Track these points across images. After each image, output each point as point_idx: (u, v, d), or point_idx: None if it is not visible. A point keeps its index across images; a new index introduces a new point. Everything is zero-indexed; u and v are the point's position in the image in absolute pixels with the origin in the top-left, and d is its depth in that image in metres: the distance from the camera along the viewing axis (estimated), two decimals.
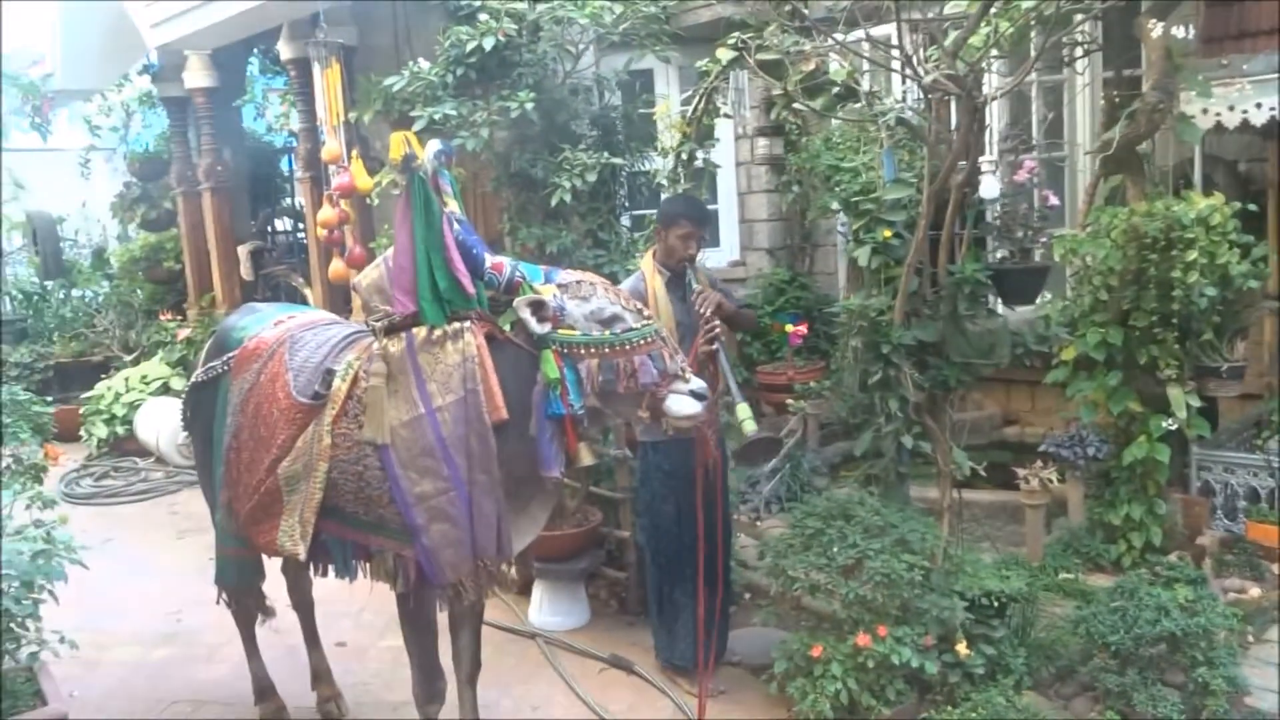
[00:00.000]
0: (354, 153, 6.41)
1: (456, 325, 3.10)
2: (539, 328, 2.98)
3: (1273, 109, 4.98)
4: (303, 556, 3.31)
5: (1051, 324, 4.82)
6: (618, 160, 5.48)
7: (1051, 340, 4.84)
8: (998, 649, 3.87)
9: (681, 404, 3.01)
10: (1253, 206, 5.00)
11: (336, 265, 6.69)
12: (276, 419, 3.34)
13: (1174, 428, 4.78)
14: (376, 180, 6.52)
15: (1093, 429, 5.00)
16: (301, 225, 9.89)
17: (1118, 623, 3.72)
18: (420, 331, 3.12)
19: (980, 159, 4.34)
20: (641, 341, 3.00)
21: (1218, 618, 3.76)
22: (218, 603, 4.04)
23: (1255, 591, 4.62)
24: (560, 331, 3.00)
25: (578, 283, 3.08)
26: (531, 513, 3.31)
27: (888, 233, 4.29)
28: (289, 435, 3.30)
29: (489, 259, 3.12)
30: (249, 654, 4.16)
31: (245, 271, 9.52)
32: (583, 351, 2.98)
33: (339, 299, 8.41)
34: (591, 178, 5.29)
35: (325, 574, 3.51)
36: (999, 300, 4.56)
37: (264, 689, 4.15)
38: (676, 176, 5.13)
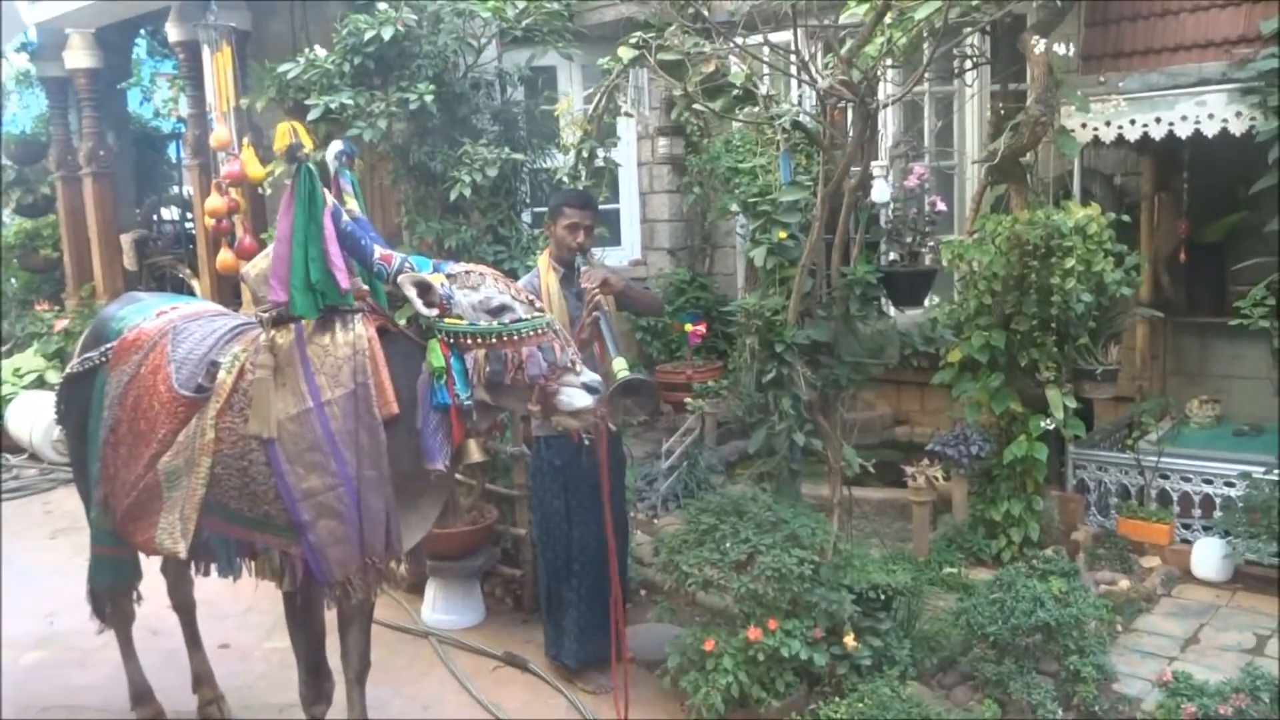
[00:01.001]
0: (245, 140, 6.27)
1: (347, 317, 3.04)
2: (425, 310, 2.93)
3: (1145, 126, 5.23)
4: (183, 555, 3.20)
5: (938, 326, 4.98)
6: (519, 156, 5.45)
7: (938, 342, 5.00)
8: (884, 641, 3.97)
9: (572, 396, 2.96)
10: (1126, 218, 5.26)
11: (225, 255, 6.52)
12: (157, 412, 3.24)
13: (1052, 427, 4.99)
14: (269, 169, 6.37)
15: (976, 428, 5.18)
16: (189, 214, 9.59)
17: (996, 614, 3.86)
18: (309, 323, 3.06)
19: (872, 164, 4.46)
20: (531, 333, 2.94)
21: (1089, 608, 3.93)
22: (92, 610, 3.91)
23: (1124, 583, 4.85)
24: (447, 320, 2.93)
25: (466, 273, 3.01)
26: (421, 509, 3.24)
27: (783, 234, 4.37)
28: (170, 429, 3.20)
29: (378, 251, 3.03)
30: (125, 656, 4.02)
31: (129, 261, 9.19)
32: (469, 341, 2.93)
33: (228, 290, 8.16)
34: (492, 173, 5.24)
35: (208, 573, 3.40)
36: (889, 302, 4.68)
37: (141, 693, 4.02)
38: (577, 174, 5.13)
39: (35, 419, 8.16)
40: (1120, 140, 5.37)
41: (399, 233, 6.26)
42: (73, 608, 5.13)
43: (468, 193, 5.16)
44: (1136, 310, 5.79)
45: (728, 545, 3.80)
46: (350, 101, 5.14)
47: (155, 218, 10.20)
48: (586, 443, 3.73)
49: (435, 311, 2.94)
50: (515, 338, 2.92)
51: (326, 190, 3.03)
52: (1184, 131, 5.16)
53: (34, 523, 6.85)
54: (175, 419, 3.20)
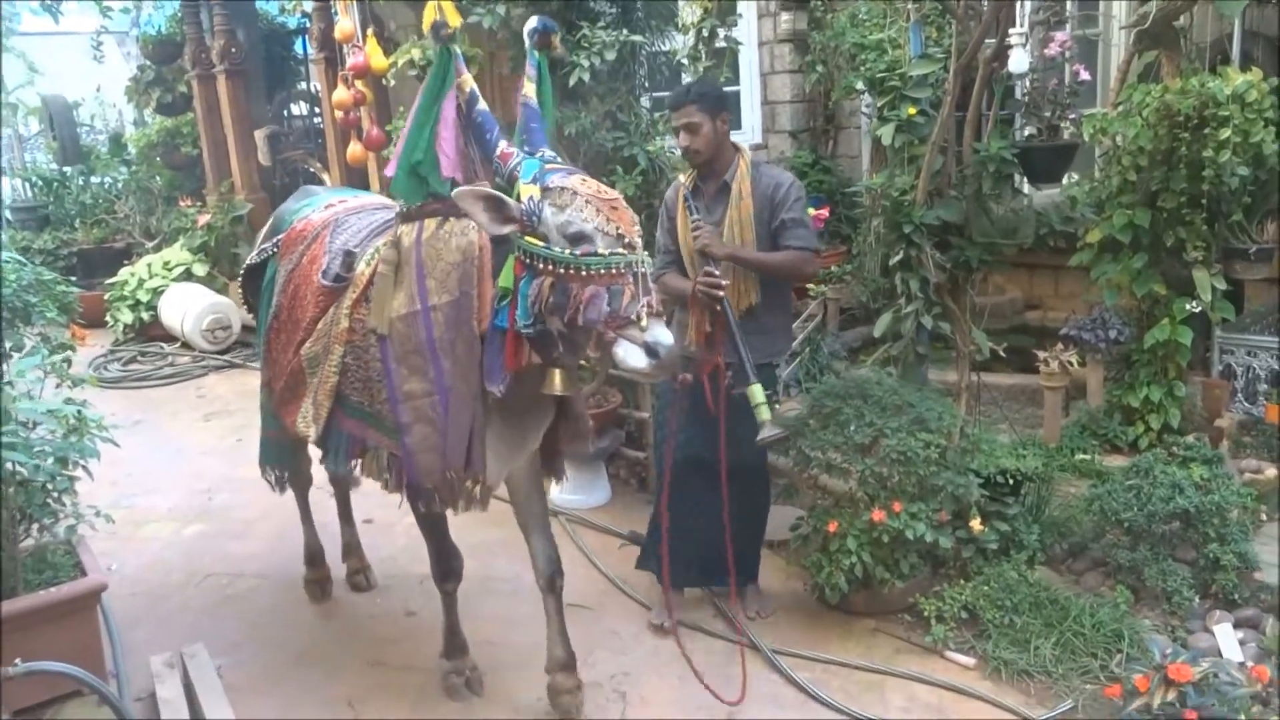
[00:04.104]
0: (368, 32, 6.31)
1: (466, 221, 2.88)
2: (493, 228, 2.65)
3: None
4: (314, 439, 3.30)
5: (1078, 205, 4.73)
6: (637, 38, 5.34)
7: (1077, 222, 4.76)
8: (1011, 526, 3.93)
9: (628, 354, 2.59)
10: None
11: (354, 148, 6.65)
12: (307, 301, 3.34)
13: (1198, 310, 4.74)
14: (392, 60, 6.42)
15: (1115, 312, 4.96)
16: (318, 108, 9.78)
17: (1131, 500, 3.76)
18: (430, 223, 3.02)
19: (1010, 32, 4.21)
20: (602, 271, 2.57)
21: (1232, 495, 3.80)
22: (269, 484, 4.14)
23: (1271, 472, 4.64)
24: (526, 239, 2.64)
25: (561, 189, 2.63)
26: (525, 429, 3.12)
27: (912, 110, 4.21)
28: (312, 317, 3.30)
29: (501, 146, 2.78)
30: (303, 518, 4.28)
31: (263, 157, 9.46)
32: (540, 266, 2.62)
33: (357, 183, 8.35)
34: (610, 56, 5.16)
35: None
36: (1025, 180, 4.48)
37: (314, 554, 4.29)
38: (697, 54, 5.03)
39: (186, 309, 8.60)
40: None
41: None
42: (228, 484, 5.54)
43: (586, 78, 5.11)
44: None
45: (852, 429, 3.77)
46: None
47: (285, 113, 10.44)
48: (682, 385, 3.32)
49: (510, 228, 2.65)
50: (584, 273, 2.57)
51: (465, 74, 2.84)
52: None
53: (188, 406, 7.30)
54: (318, 307, 3.29)
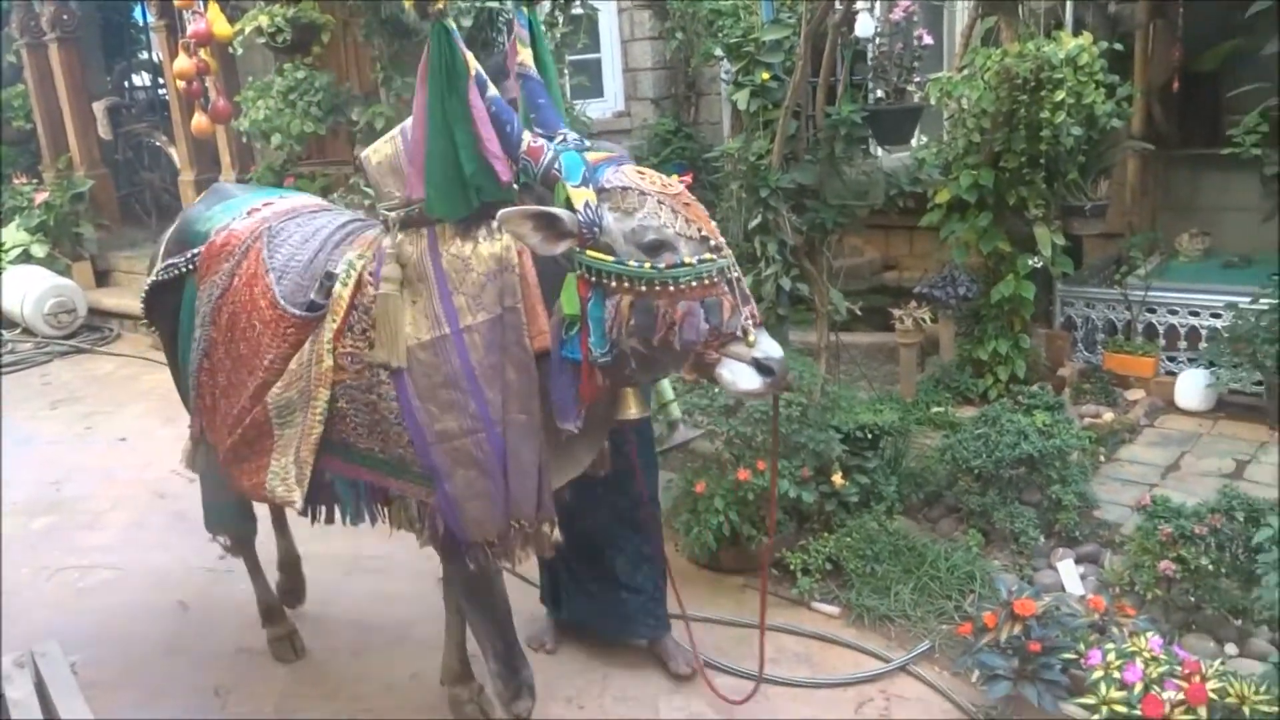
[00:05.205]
0: None
1: (494, 223, 2.36)
2: (546, 248, 2.23)
3: None
4: (299, 505, 2.73)
5: (925, 166, 4.90)
6: (494, 4, 5.27)
7: (925, 183, 4.93)
8: (871, 478, 4.07)
9: (737, 375, 2.23)
10: (1119, 46, 5.11)
11: (199, 119, 6.36)
12: (260, 333, 2.72)
13: (1040, 266, 4.98)
14: (238, 27, 6.17)
15: (964, 269, 5.17)
16: (162, 79, 9.33)
17: (980, 448, 3.94)
18: (445, 228, 2.51)
19: None
20: (694, 283, 2.19)
21: (1072, 439, 4.02)
22: (217, 544, 3.62)
23: (1109, 416, 4.95)
24: (589, 254, 2.22)
25: (624, 189, 2.24)
26: (575, 452, 2.66)
27: (765, 75, 4.27)
28: (279, 354, 2.68)
29: (526, 139, 2.32)
30: (251, 574, 3.66)
31: (103, 130, 9.01)
32: (613, 284, 2.22)
33: (206, 157, 8.05)
34: (466, 23, 5.08)
35: (330, 520, 2.87)
36: (875, 142, 4.61)
37: (271, 610, 3.71)
38: (554, 20, 4.98)
39: (25, 292, 8.15)
40: None
41: (376, 90, 6.12)
42: (78, 474, 5.29)
43: None
44: (1128, 144, 5.70)
45: (715, 390, 3.83)
46: None
47: (126, 84, 9.93)
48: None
49: (566, 245, 2.24)
50: (670, 288, 2.19)
51: (468, 54, 2.35)
52: None
53: (33, 394, 6.93)
54: (284, 341, 2.68)
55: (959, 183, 4.95)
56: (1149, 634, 2.89)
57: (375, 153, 2.63)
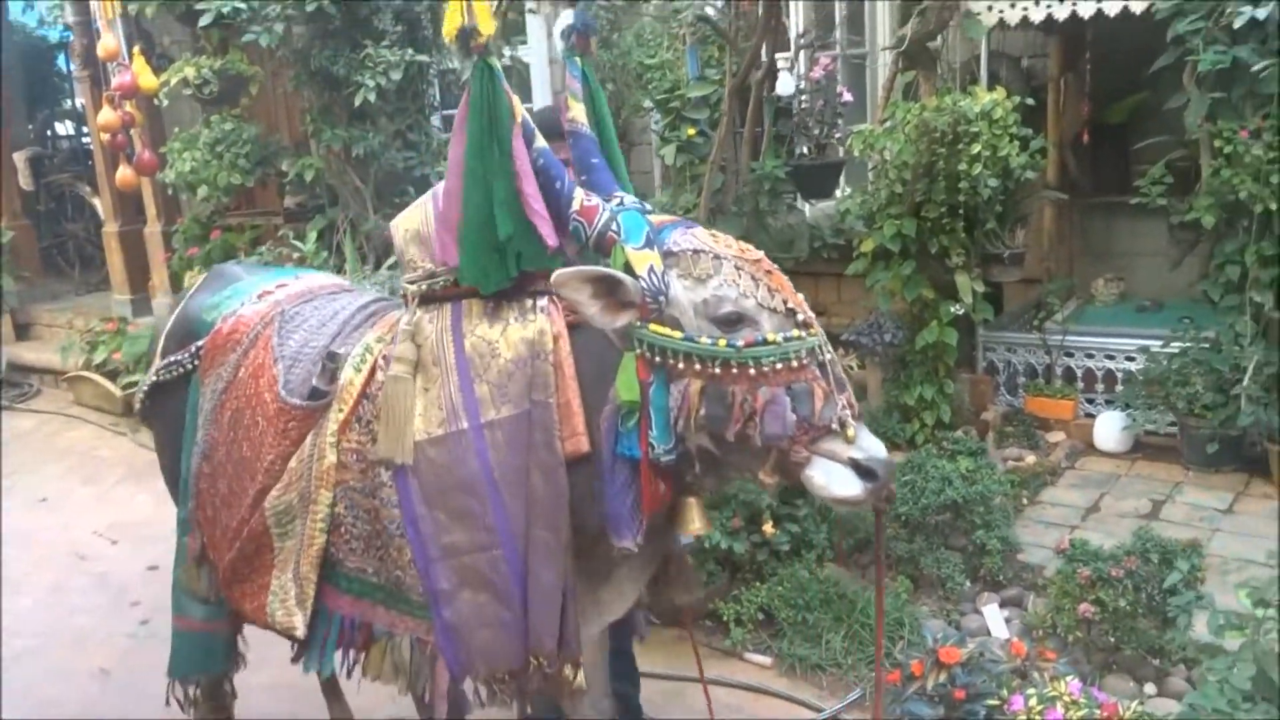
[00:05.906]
0: (135, 49, 5.97)
1: (528, 301, 2.11)
2: (605, 319, 1.92)
3: (1049, 6, 5.24)
4: (301, 632, 2.32)
5: (849, 217, 5.01)
6: (424, 57, 5.33)
7: (848, 233, 5.04)
8: (802, 526, 4.10)
9: (833, 479, 1.87)
10: (1032, 101, 5.30)
11: (124, 172, 6.28)
12: (263, 430, 2.37)
13: (962, 312, 5.11)
14: (164, 79, 6.13)
15: (890, 316, 5.28)
16: (85, 128, 9.19)
17: (907, 495, 4.02)
18: (473, 305, 2.16)
19: (779, 56, 4.42)
20: (779, 364, 1.86)
21: (994, 485, 4.12)
22: (170, 702, 2.84)
23: (1031, 459, 5.07)
24: (652, 328, 1.90)
25: (695, 252, 1.92)
26: (618, 582, 2.29)
27: (691, 130, 4.36)
28: (279, 453, 2.33)
29: (579, 199, 2.01)
30: None
31: (24, 180, 8.82)
32: (681, 365, 1.89)
33: (131, 209, 7.94)
34: (396, 76, 5.13)
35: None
36: (798, 196, 4.71)
37: None
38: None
39: None
40: (1026, 22, 5.38)
41: (306, 141, 6.10)
42: None
43: (372, 97, 5.06)
44: (1042, 193, 5.89)
45: None
46: (244, 5, 4.95)
47: (49, 134, 9.77)
48: None
49: (628, 318, 1.92)
50: (750, 370, 1.86)
51: (514, 98, 2.06)
52: (1086, 11, 5.18)
53: None
54: (285, 438, 2.33)
55: (883, 232, 5.07)
56: (1069, 678, 2.95)
57: (405, 220, 2.31)
